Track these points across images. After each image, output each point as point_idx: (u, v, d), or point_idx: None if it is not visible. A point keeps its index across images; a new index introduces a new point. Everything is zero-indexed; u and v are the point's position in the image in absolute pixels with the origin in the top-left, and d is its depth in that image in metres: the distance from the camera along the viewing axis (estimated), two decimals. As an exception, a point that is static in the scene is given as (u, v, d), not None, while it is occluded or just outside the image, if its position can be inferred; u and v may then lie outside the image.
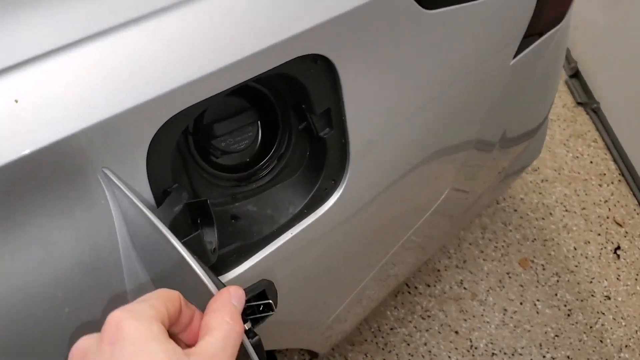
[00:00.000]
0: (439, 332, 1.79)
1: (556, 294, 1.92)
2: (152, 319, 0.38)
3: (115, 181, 0.51)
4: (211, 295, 0.46)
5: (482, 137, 1.06)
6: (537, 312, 1.87)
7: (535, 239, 2.06)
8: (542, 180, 2.24)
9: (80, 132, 0.50)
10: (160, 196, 0.61)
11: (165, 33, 0.56)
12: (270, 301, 0.58)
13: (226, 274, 0.70)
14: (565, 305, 1.90)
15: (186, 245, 0.52)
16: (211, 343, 0.39)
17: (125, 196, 0.51)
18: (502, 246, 2.03)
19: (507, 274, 1.96)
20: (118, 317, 0.37)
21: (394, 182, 0.87)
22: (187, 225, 0.58)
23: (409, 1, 0.70)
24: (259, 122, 0.75)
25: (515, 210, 2.14)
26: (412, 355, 1.73)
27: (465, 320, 1.82)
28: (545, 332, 1.83)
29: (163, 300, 0.40)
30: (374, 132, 0.78)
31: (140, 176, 0.58)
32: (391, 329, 1.78)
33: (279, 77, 0.66)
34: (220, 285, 0.47)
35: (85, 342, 0.39)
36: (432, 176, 1.01)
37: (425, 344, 1.75)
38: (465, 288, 1.90)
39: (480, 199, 1.37)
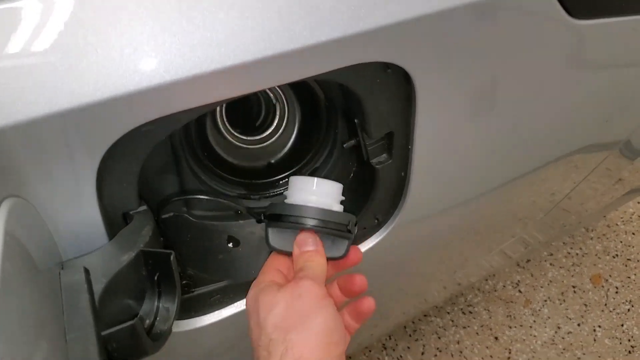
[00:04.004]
0: (477, 334, 1.60)
1: (622, 325, 1.67)
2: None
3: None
4: None
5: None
6: (595, 340, 1.64)
7: (617, 255, 1.79)
8: (647, 188, 1.91)
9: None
10: (118, 220, 0.44)
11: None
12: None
13: (201, 317, 0.52)
14: (629, 340, 1.66)
15: (111, 336, 0.35)
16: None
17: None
18: (577, 254, 1.77)
19: (573, 287, 1.71)
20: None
21: (460, 223, 0.65)
22: (136, 281, 0.40)
23: (554, 7, 0.45)
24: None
25: (604, 216, 1.85)
26: (440, 351, 1.56)
27: (510, 327, 1.62)
28: (597, 365, 1.61)
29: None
30: (449, 165, 0.55)
31: (86, 197, 0.40)
32: (425, 315, 1.61)
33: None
34: None
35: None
36: (513, 208, 0.78)
37: (458, 342, 1.58)
38: (520, 291, 1.69)
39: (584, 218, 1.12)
